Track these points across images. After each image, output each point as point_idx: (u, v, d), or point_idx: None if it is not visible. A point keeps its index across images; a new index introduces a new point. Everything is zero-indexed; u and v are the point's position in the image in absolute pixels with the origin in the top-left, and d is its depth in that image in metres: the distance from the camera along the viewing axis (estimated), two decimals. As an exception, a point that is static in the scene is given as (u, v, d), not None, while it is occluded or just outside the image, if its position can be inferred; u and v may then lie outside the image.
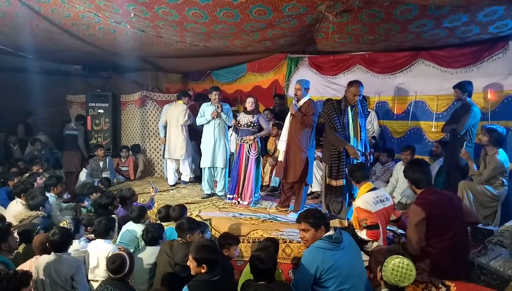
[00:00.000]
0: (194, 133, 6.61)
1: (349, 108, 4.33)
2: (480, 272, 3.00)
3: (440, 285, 3.02)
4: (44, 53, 7.04)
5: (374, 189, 3.64)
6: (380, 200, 3.53)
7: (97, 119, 8.08)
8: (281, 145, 4.88)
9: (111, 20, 4.69)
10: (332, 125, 4.37)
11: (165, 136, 6.68)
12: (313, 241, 2.82)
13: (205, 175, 5.75)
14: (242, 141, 5.24)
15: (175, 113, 6.43)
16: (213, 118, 5.52)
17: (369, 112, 5.46)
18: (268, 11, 3.95)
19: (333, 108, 4.38)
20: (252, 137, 5.14)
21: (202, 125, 5.73)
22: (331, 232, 2.83)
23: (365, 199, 3.50)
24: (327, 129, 4.47)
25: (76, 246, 3.55)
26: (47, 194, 4.86)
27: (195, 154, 6.68)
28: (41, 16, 4.76)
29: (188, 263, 2.72)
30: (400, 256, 2.50)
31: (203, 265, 2.60)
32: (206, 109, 5.62)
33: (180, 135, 6.36)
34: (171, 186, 6.56)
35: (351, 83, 4.36)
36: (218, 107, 5.48)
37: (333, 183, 4.42)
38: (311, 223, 2.84)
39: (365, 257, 3.44)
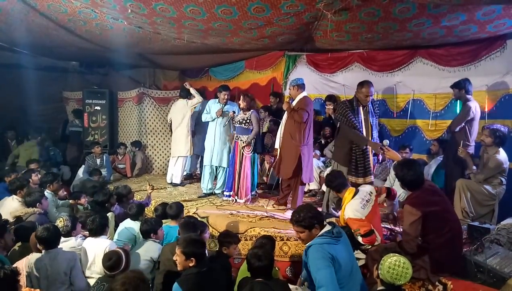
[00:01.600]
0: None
1: (360, 107, 4.32)
2: (476, 270, 3.01)
3: (437, 283, 3.03)
4: (41, 49, 6.98)
5: (356, 192, 3.59)
6: (366, 200, 3.51)
7: (94, 116, 8.05)
8: (277, 142, 4.91)
9: (108, 16, 4.66)
10: (351, 124, 4.28)
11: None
12: (310, 240, 2.75)
13: (205, 172, 5.71)
14: (237, 138, 5.25)
15: (176, 111, 6.48)
16: (217, 116, 5.49)
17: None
18: (267, 9, 3.94)
19: (347, 108, 4.32)
20: (248, 146, 5.12)
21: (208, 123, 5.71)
22: (328, 228, 2.77)
23: (353, 208, 3.46)
24: (345, 128, 4.35)
25: (72, 243, 3.54)
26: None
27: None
28: (37, 12, 4.72)
29: (174, 258, 2.76)
30: (397, 254, 2.51)
31: (192, 258, 2.66)
32: (212, 106, 5.58)
33: (183, 131, 6.39)
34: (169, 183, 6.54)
35: (361, 84, 4.29)
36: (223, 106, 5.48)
37: (360, 180, 4.30)
38: (304, 226, 2.74)
39: (362, 256, 3.45)
